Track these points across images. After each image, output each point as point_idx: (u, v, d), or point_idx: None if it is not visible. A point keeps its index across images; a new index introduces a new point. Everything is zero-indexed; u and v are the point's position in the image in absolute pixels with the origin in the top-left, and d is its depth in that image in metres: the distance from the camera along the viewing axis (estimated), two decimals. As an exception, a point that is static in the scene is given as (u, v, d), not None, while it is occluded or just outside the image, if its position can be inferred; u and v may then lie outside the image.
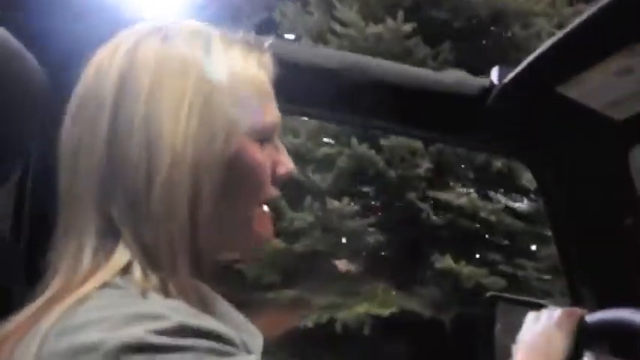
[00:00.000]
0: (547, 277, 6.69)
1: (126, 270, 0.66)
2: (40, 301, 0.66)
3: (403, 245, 6.69)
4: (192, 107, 0.68)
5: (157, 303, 0.64)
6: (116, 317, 0.60)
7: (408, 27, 6.52)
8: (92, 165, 0.68)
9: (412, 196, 6.35)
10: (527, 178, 6.40)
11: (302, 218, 6.64)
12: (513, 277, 6.51)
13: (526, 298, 1.74)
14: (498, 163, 6.47)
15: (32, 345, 0.61)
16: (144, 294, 0.64)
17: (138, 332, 0.58)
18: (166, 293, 0.66)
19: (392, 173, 6.44)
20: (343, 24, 6.79)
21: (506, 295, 1.70)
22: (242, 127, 0.71)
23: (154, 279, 0.66)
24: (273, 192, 0.78)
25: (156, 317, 0.60)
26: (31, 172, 1.10)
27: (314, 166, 6.86)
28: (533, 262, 6.68)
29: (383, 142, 6.34)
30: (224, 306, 0.76)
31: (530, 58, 1.19)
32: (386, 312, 6.14)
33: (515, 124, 1.34)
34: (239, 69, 0.73)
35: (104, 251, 0.67)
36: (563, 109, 1.23)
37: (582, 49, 1.09)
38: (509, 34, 7.10)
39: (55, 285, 0.67)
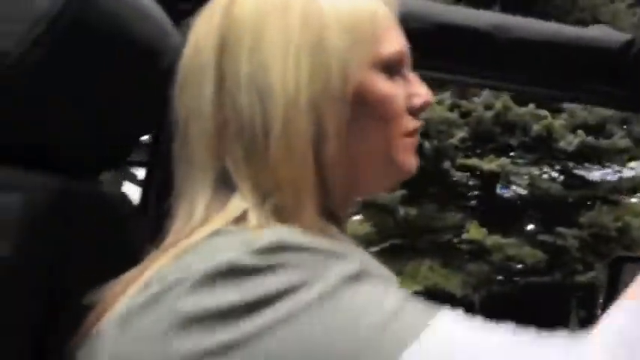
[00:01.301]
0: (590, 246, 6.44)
1: (240, 219, 0.67)
2: (149, 257, 0.68)
3: (438, 218, 6.72)
4: (300, 49, 0.69)
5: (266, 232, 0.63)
6: (214, 247, 0.62)
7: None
8: (201, 126, 0.70)
9: (447, 164, 6.36)
10: (568, 141, 6.38)
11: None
12: (552, 247, 6.32)
13: None
14: (537, 126, 6.30)
15: (127, 298, 0.63)
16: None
17: (229, 256, 0.59)
18: None
19: (427, 144, 6.40)
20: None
21: (633, 254, 1.74)
22: (360, 59, 0.72)
23: (271, 225, 0.66)
24: (412, 123, 0.77)
25: (255, 239, 0.61)
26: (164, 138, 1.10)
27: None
28: (574, 230, 6.37)
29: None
30: (357, 251, 0.74)
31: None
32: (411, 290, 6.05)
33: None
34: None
35: (218, 204, 0.68)
36: None
37: None
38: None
39: (166, 242, 0.69)
